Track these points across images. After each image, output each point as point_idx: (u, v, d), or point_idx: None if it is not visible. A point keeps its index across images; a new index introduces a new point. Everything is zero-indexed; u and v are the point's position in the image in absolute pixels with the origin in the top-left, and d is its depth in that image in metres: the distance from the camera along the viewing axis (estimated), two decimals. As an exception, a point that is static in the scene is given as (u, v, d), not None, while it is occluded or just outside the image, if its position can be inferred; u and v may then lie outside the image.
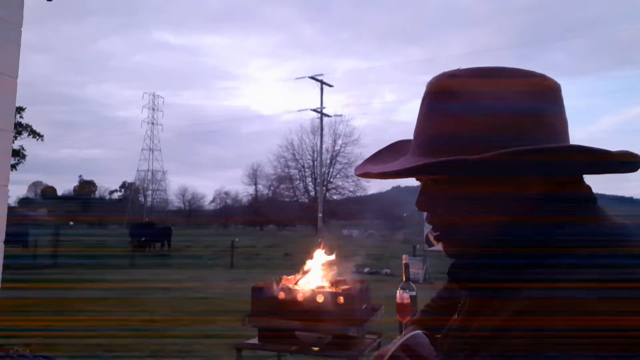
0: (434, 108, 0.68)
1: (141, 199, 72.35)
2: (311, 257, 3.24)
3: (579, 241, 0.57)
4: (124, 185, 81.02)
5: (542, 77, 0.66)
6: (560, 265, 0.54)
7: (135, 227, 25.63)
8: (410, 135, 0.75)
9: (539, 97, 0.64)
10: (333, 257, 3.17)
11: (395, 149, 0.79)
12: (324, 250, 3.20)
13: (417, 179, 0.73)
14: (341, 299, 2.73)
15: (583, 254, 0.55)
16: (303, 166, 49.32)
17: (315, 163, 45.22)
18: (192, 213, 67.73)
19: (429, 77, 0.70)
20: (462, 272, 0.68)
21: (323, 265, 3.17)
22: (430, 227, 0.70)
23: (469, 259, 0.68)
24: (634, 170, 0.62)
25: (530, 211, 0.62)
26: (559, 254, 0.56)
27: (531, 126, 0.62)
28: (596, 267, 0.53)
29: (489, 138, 0.61)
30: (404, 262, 2.24)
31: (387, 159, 0.78)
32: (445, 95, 0.66)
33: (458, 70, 0.68)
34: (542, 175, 0.63)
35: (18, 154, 17.81)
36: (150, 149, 73.02)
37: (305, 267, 3.21)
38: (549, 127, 0.63)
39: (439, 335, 0.74)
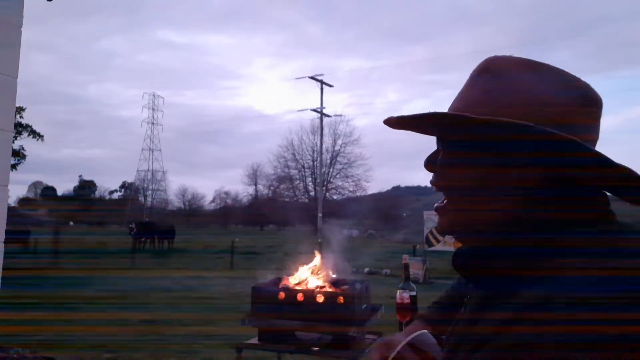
0: (474, 83, 0.69)
1: (141, 199, 72.33)
2: (311, 259, 3.24)
3: (587, 237, 0.57)
4: (124, 185, 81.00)
5: (586, 85, 0.66)
6: (567, 262, 0.54)
7: (139, 225, 25.46)
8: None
9: (574, 100, 0.64)
10: (332, 259, 3.17)
11: None
12: (323, 252, 3.20)
13: (437, 139, 0.73)
14: (341, 299, 2.73)
15: (590, 252, 0.54)
16: (303, 166, 49.31)
17: (315, 163, 45.21)
18: (192, 213, 67.67)
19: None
20: (466, 259, 0.67)
21: (322, 266, 3.17)
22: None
23: (473, 244, 0.67)
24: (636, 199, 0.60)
25: (532, 200, 0.62)
26: (566, 249, 0.56)
27: (557, 122, 0.60)
28: (601, 266, 0.52)
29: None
30: (404, 262, 2.24)
31: None
32: (487, 74, 0.68)
33: (508, 55, 0.69)
34: (541, 163, 0.62)
35: (18, 154, 17.80)
36: (150, 149, 73.09)
37: (306, 268, 3.21)
38: (575, 129, 0.61)
39: (444, 337, 0.74)
